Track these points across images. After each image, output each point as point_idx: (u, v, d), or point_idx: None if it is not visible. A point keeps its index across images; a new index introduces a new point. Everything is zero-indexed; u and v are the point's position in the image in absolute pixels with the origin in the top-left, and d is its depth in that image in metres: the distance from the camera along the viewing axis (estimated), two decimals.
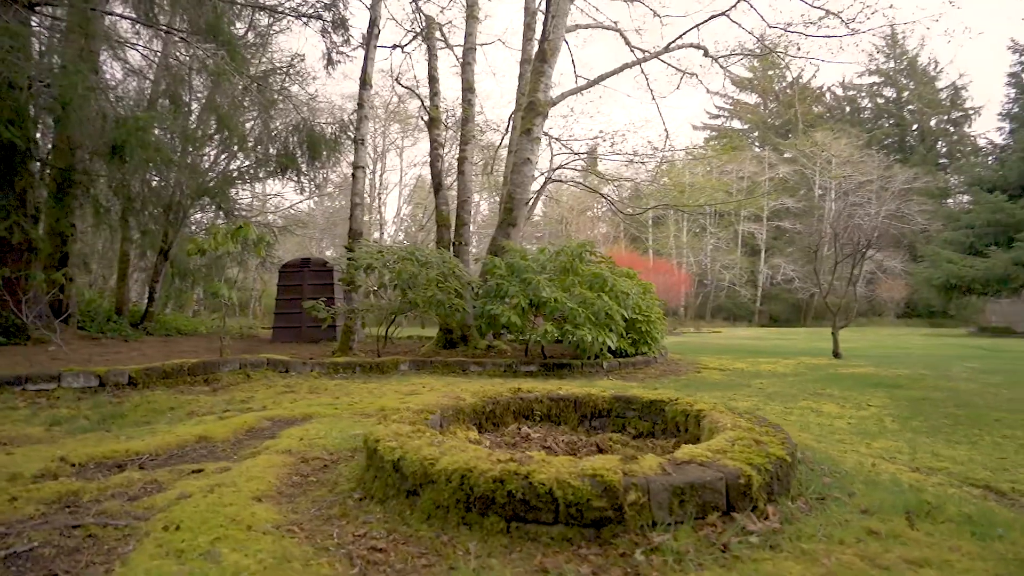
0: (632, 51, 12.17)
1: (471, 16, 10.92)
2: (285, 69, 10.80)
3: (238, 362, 5.95)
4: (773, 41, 11.78)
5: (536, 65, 9.47)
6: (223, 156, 11.47)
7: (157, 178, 9.86)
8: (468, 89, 10.80)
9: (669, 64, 12.45)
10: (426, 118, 11.62)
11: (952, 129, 38.50)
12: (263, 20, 10.92)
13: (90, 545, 1.76)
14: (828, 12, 10.26)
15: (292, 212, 20.92)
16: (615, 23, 12.56)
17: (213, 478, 2.38)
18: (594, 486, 1.71)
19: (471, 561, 1.61)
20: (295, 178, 11.05)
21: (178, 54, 9.68)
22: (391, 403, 4.39)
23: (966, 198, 29.16)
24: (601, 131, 22.27)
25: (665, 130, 17.66)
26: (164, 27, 8.53)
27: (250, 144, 10.50)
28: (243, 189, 13.91)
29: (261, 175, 11.55)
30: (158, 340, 9.59)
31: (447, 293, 7.42)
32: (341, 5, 10.18)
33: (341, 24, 10.21)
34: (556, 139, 15.09)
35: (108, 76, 9.20)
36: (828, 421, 4.04)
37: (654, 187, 18.99)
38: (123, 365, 5.27)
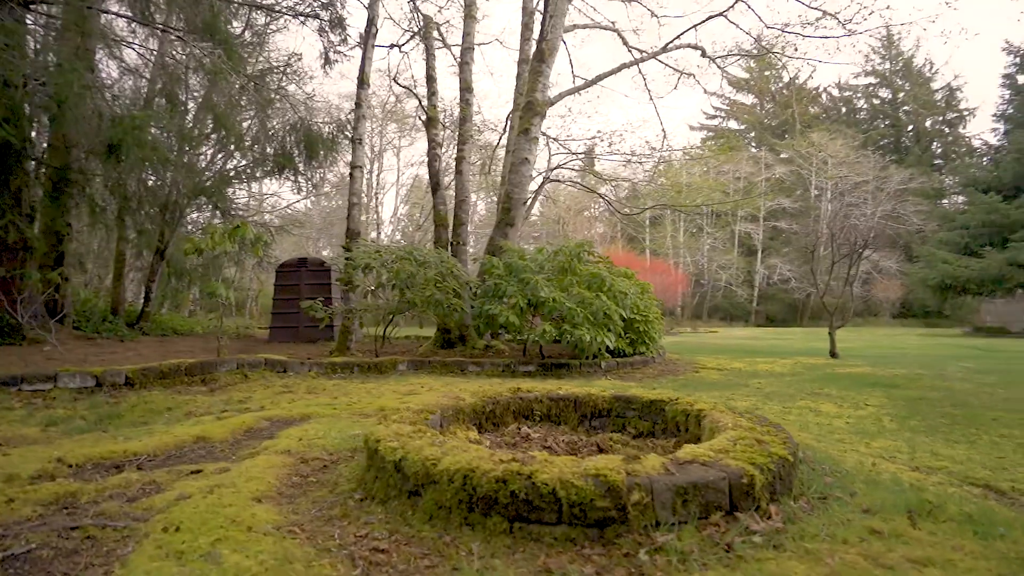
0: (630, 51, 12.19)
1: (469, 16, 10.91)
2: (282, 68, 10.76)
3: (235, 362, 5.92)
4: (770, 42, 11.82)
5: (534, 65, 9.47)
6: (220, 155, 11.43)
7: (153, 177, 9.81)
8: (466, 89, 10.78)
9: (667, 64, 12.48)
10: (424, 118, 11.59)
11: (947, 130, 38.70)
12: (260, 19, 10.88)
13: (89, 547, 1.75)
14: (825, 13, 10.29)
15: (289, 212, 20.86)
16: (613, 23, 12.58)
17: (212, 479, 2.37)
18: (597, 486, 1.71)
19: (474, 562, 1.60)
20: (292, 178, 11.01)
21: (174, 53, 9.63)
22: (390, 403, 4.38)
23: (961, 199, 29.34)
24: (599, 131, 22.30)
25: (663, 130, 17.72)
26: (160, 26, 8.48)
27: (247, 143, 10.46)
28: (240, 189, 13.87)
29: (258, 175, 11.51)
30: (154, 340, 9.54)
31: (445, 293, 7.41)
32: (338, 4, 10.15)
33: (338, 23, 10.19)
34: (554, 139, 15.09)
35: (104, 75, 9.14)
36: (827, 421, 4.05)
37: (651, 187, 19.01)
38: (119, 365, 5.24)
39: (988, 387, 5.64)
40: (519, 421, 3.42)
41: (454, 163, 11.16)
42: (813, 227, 25.42)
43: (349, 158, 10.06)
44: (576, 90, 11.51)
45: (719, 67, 12.38)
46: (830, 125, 36.58)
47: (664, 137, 14.38)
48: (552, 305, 6.63)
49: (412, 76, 21.40)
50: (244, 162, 11.29)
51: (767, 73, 36.12)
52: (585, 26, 12.71)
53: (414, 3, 12.18)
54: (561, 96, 10.72)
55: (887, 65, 40.38)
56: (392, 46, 13.01)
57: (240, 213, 12.39)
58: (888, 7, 10.34)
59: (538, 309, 6.99)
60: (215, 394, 4.93)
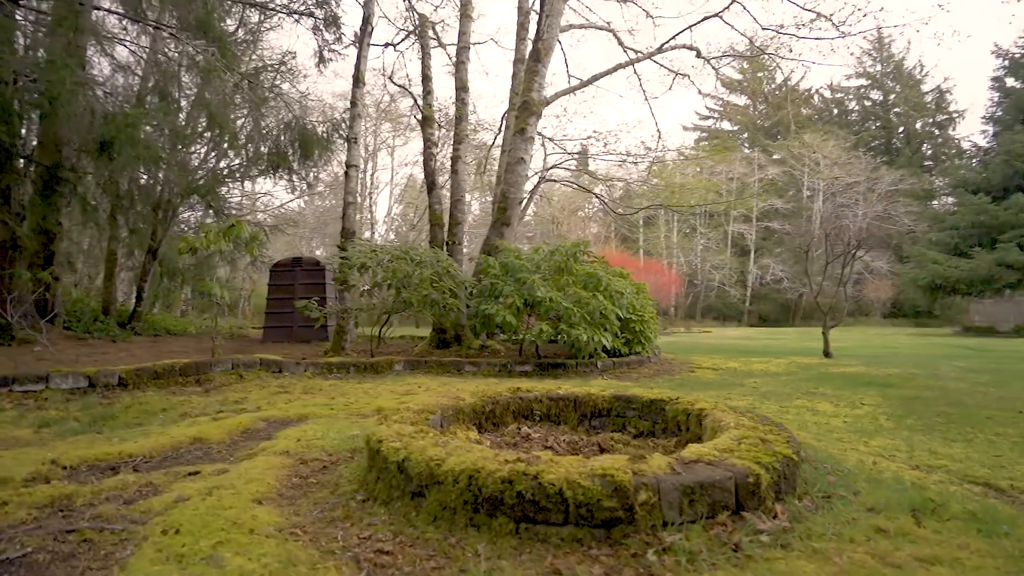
0: (625, 52, 12.22)
1: (464, 15, 10.88)
2: (276, 66, 10.68)
3: (230, 362, 5.86)
4: (765, 43, 11.88)
5: (530, 64, 9.46)
6: (213, 154, 11.32)
7: (146, 176, 9.71)
8: (462, 88, 10.75)
9: (662, 65, 12.53)
10: (419, 117, 11.56)
11: (937, 132, 39.12)
12: (254, 17, 10.81)
13: (86, 550, 1.71)
14: (819, 15, 10.36)
15: (282, 211, 20.72)
16: (608, 23, 12.59)
17: (210, 480, 2.33)
18: (604, 486, 1.70)
19: (481, 563, 1.59)
20: (287, 177, 10.94)
21: (167, 50, 9.53)
22: (388, 403, 4.35)
23: (951, 200, 29.62)
24: (595, 131, 22.31)
25: (658, 130, 17.77)
26: (153, 22, 8.38)
27: (241, 142, 10.37)
28: (233, 188, 13.76)
29: (253, 173, 11.42)
30: (147, 340, 9.44)
31: (442, 292, 7.38)
32: (333, 2, 10.10)
33: (333, 22, 10.13)
34: (549, 139, 15.10)
35: (96, 72, 9.04)
36: (824, 420, 4.06)
37: (646, 187, 19.07)
38: (112, 365, 5.17)
39: (981, 386, 5.69)
40: (519, 421, 3.40)
41: (449, 162, 11.13)
42: (806, 227, 25.62)
43: (343, 157, 10.01)
44: (572, 90, 11.52)
45: (714, 68, 12.44)
46: (822, 126, 36.86)
47: (659, 137, 14.44)
48: (549, 305, 6.62)
49: (407, 75, 21.39)
50: (238, 161, 11.20)
51: (760, 75, 36.31)
52: (581, 26, 12.73)
53: (409, 2, 12.15)
54: (557, 96, 10.72)
55: (878, 67, 40.77)
56: (387, 45, 12.96)
57: (233, 212, 12.28)
58: (882, 9, 10.44)
59: (534, 309, 6.97)
60: (210, 395, 4.88)
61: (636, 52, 11.92)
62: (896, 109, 39.79)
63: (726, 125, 45.83)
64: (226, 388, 5.22)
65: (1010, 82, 26.05)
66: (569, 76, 14.02)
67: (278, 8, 10.21)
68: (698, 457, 1.96)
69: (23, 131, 8.36)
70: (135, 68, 9.81)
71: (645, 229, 34.96)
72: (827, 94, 43.73)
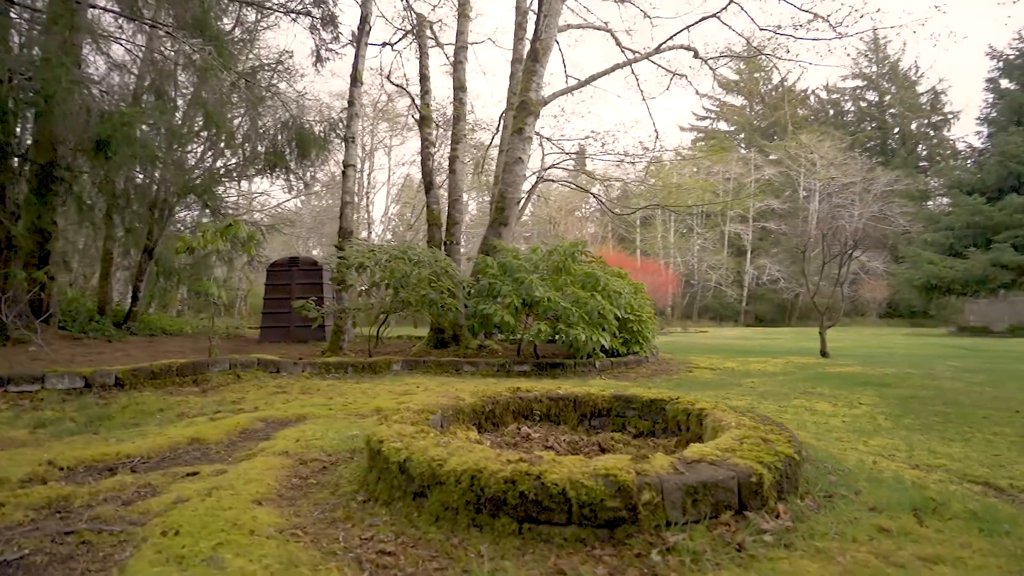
0: (623, 52, 12.23)
1: (462, 15, 10.87)
2: (273, 66, 10.64)
3: (228, 362, 5.83)
4: (762, 43, 11.91)
5: (528, 64, 9.45)
6: (209, 153, 11.27)
7: (142, 175, 9.65)
8: (459, 88, 10.73)
9: (659, 65, 12.54)
10: (417, 116, 11.54)
11: (932, 133, 39.28)
12: (251, 16, 10.76)
13: (84, 552, 1.70)
14: (816, 16, 10.39)
15: (279, 210, 20.65)
16: (606, 24, 12.60)
17: (209, 481, 2.31)
18: (607, 486, 1.69)
19: (484, 564, 1.58)
20: (284, 176, 10.90)
21: (163, 49, 9.48)
22: (386, 403, 4.33)
23: (946, 200, 29.76)
24: (593, 131, 22.34)
25: (655, 130, 17.79)
26: (149, 21, 8.33)
27: (238, 141, 10.33)
28: (229, 187, 13.69)
29: (249, 173, 11.37)
30: (143, 340, 9.39)
31: (440, 292, 7.37)
32: (331, 2, 10.06)
33: (330, 21, 10.09)
34: (547, 139, 15.10)
35: (91, 71, 8.98)
36: (823, 419, 4.07)
37: (643, 187, 19.10)
38: (108, 366, 5.14)
39: (977, 386, 5.71)
40: (519, 421, 3.39)
41: (447, 162, 11.12)
42: (802, 228, 25.71)
43: (340, 157, 9.99)
44: (569, 90, 11.52)
45: (711, 68, 12.45)
46: (818, 127, 36.98)
47: (656, 137, 14.46)
48: (547, 305, 6.62)
49: (404, 75, 21.31)
50: (234, 160, 11.15)
51: (757, 75, 36.38)
52: (579, 26, 12.73)
53: (407, 1, 12.12)
54: (555, 96, 10.72)
55: (874, 68, 40.92)
56: (385, 44, 12.93)
57: (230, 212, 12.23)
58: (878, 10, 10.48)
59: (533, 309, 6.97)
60: (208, 395, 4.86)
61: (634, 52, 11.93)
62: (892, 110, 39.95)
63: (723, 125, 45.95)
64: (223, 388, 5.19)
65: (1004, 84, 26.20)
66: (567, 76, 14.03)
67: (275, 7, 10.16)
68: (700, 457, 1.96)
69: (18, 129, 8.30)
70: (131, 67, 9.75)
71: (642, 229, 35.02)
72: (823, 95, 43.86)
